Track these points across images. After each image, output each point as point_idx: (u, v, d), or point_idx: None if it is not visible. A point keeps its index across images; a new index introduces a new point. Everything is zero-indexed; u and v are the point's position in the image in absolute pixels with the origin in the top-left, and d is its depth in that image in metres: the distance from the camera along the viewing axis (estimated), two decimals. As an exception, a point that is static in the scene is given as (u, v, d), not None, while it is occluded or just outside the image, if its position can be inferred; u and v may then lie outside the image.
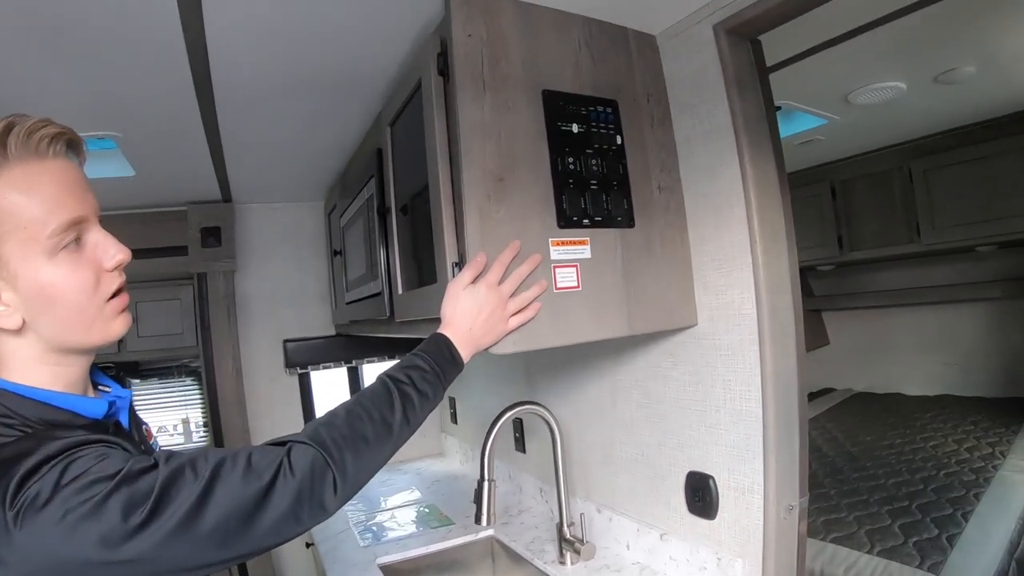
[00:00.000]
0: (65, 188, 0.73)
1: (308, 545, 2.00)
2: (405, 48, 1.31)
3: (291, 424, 2.57)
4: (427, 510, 2.05)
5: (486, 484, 1.41)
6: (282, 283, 2.62)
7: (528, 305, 1.06)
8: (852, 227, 3.28)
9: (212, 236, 2.33)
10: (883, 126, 2.60)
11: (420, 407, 0.96)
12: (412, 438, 2.47)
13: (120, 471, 0.65)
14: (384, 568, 1.66)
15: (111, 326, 0.77)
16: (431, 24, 1.20)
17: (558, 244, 1.10)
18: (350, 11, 1.14)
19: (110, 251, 0.76)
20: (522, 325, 1.07)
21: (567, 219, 1.12)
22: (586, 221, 1.14)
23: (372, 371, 2.88)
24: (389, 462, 2.36)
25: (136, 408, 0.93)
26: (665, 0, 1.22)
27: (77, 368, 0.77)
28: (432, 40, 1.13)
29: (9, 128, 0.69)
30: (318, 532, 1.91)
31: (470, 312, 1.04)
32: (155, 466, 0.67)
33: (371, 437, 0.86)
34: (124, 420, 0.84)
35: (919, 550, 1.81)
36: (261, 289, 2.56)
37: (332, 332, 2.60)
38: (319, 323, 2.63)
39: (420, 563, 1.74)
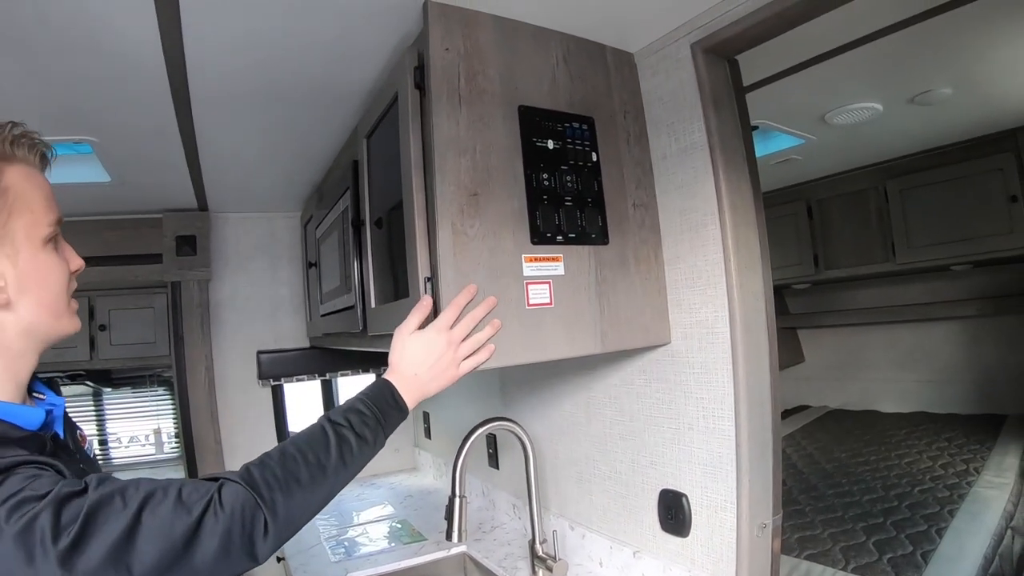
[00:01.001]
0: (50, 193, 0.85)
1: (279, 559, 1.96)
2: (382, 61, 1.31)
3: (264, 437, 2.55)
4: (399, 525, 2.03)
5: (457, 500, 1.40)
6: (256, 294, 2.59)
7: (482, 347, 1.05)
8: (828, 246, 3.31)
9: (187, 245, 2.30)
10: (859, 146, 2.63)
11: (358, 451, 0.93)
12: (384, 452, 2.46)
13: (49, 492, 0.65)
14: None
15: (72, 321, 0.86)
16: (409, 37, 1.20)
17: (531, 260, 1.10)
18: (327, 24, 1.14)
19: (74, 256, 0.87)
20: (475, 369, 1.06)
21: (541, 235, 1.12)
22: (560, 238, 1.14)
23: (346, 384, 2.86)
24: (361, 476, 2.36)
25: (74, 417, 0.95)
26: (643, 19, 1.23)
27: (31, 361, 0.82)
28: (410, 54, 1.13)
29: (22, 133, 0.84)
30: (289, 546, 1.87)
31: (417, 358, 1.02)
32: (85, 490, 0.67)
33: (304, 479, 0.83)
34: (59, 429, 0.85)
35: (894, 566, 1.81)
36: (235, 299, 2.54)
37: (306, 344, 2.57)
38: (293, 335, 2.61)
39: None
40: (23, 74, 1.23)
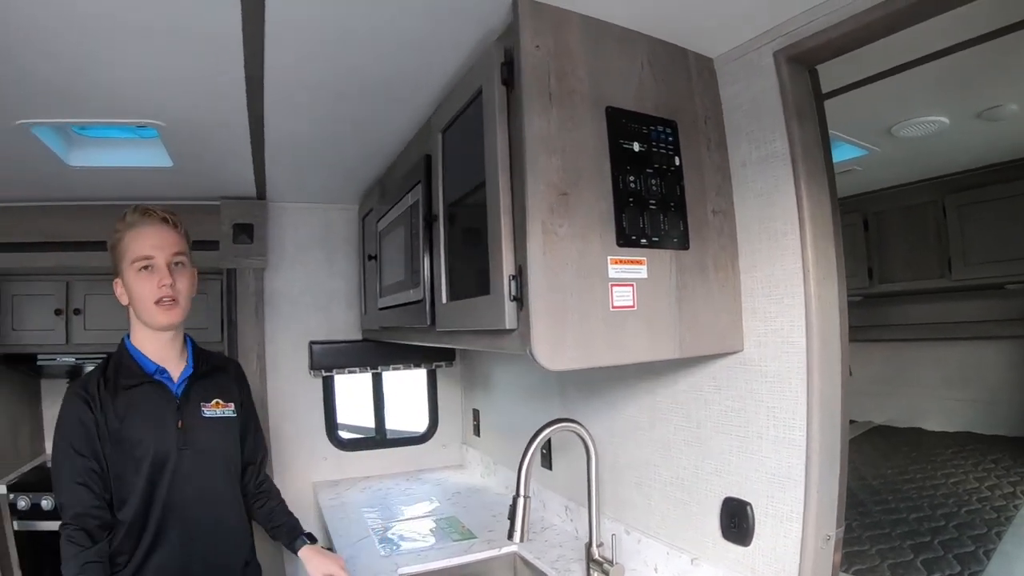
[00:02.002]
0: (146, 242, 1.45)
1: (330, 550, 2.01)
2: (463, 55, 1.33)
3: (313, 428, 2.62)
4: (447, 522, 2.06)
5: (521, 500, 1.41)
6: (311, 285, 2.64)
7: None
8: (883, 259, 3.29)
9: (244, 233, 2.36)
10: (921, 159, 2.62)
11: None
12: (431, 448, 2.52)
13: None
14: None
15: (157, 318, 1.45)
16: (493, 33, 1.21)
17: (616, 262, 1.12)
18: (414, 17, 1.16)
19: (163, 277, 1.44)
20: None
21: (626, 238, 1.14)
22: (644, 241, 1.16)
23: (395, 378, 2.91)
24: (407, 470, 2.42)
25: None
26: (726, 25, 1.23)
27: (157, 335, 1.49)
28: (496, 49, 1.15)
29: (136, 208, 1.48)
30: (338, 539, 1.92)
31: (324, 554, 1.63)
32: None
33: None
34: (165, 380, 1.49)
35: None
36: (290, 289, 2.59)
37: (359, 337, 2.62)
38: (346, 328, 2.66)
39: (445, 575, 1.74)
40: (96, 54, 1.26)
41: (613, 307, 1.11)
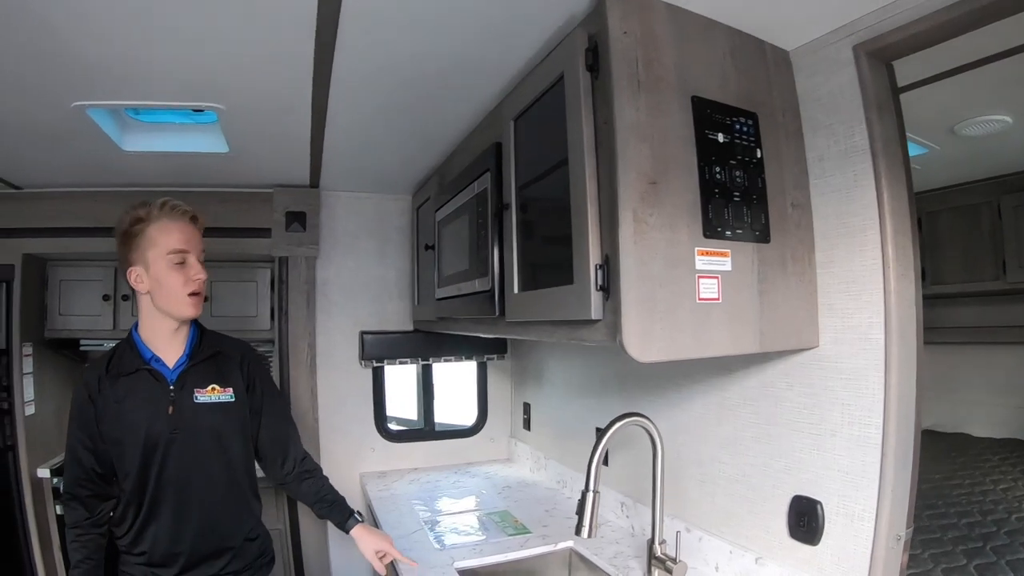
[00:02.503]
0: (179, 236, 1.54)
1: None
2: (541, 41, 1.34)
3: (362, 419, 2.66)
4: (500, 516, 2.07)
5: (590, 495, 1.40)
6: (362, 274, 2.67)
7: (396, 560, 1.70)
8: (936, 260, 3.26)
9: (297, 221, 2.40)
10: (979, 159, 2.59)
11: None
12: (479, 441, 2.55)
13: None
14: (463, 572, 1.68)
15: (187, 309, 1.57)
16: (575, 19, 1.22)
17: (703, 254, 1.12)
18: (495, 1, 1.17)
19: (197, 272, 1.57)
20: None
21: (712, 229, 1.14)
22: (728, 233, 1.16)
23: (445, 370, 2.94)
24: (456, 463, 2.54)
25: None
26: (804, 17, 1.24)
27: (168, 324, 1.58)
28: (579, 35, 1.15)
29: (164, 203, 1.55)
30: (390, 530, 1.93)
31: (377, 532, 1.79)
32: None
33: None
34: (160, 367, 1.57)
35: None
36: (340, 278, 2.62)
37: (410, 327, 2.65)
38: (398, 318, 2.69)
39: (497, 570, 1.75)
40: (155, 32, 1.27)
41: (699, 299, 1.11)
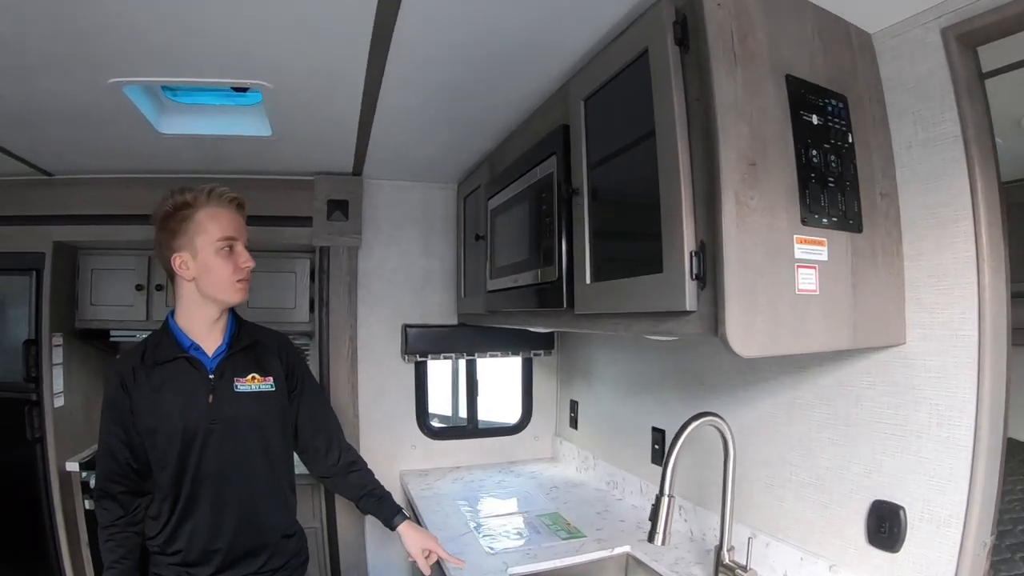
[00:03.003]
0: (228, 223, 1.60)
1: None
2: (617, 16, 1.35)
3: (403, 415, 2.72)
4: (551, 519, 2.10)
5: (665, 500, 1.43)
6: (405, 265, 2.74)
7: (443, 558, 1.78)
8: (999, 258, 3.27)
9: (339, 209, 2.46)
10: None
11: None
12: (523, 439, 2.60)
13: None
14: None
15: (235, 295, 1.63)
16: None
17: (801, 242, 1.14)
18: None
19: (245, 260, 1.64)
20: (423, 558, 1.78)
21: (810, 216, 1.15)
22: (824, 221, 1.17)
23: (490, 365, 3.00)
24: (499, 462, 2.79)
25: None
26: (888, 1, 1.26)
27: (211, 311, 1.64)
28: (666, 7, 1.17)
29: (211, 189, 1.60)
30: (438, 532, 1.97)
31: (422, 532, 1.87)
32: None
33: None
34: (200, 356, 1.63)
35: None
36: (383, 270, 2.68)
37: (453, 321, 2.70)
38: (440, 310, 2.75)
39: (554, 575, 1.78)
40: (206, 8, 1.28)
41: (798, 291, 1.13)
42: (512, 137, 2.11)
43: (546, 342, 2.87)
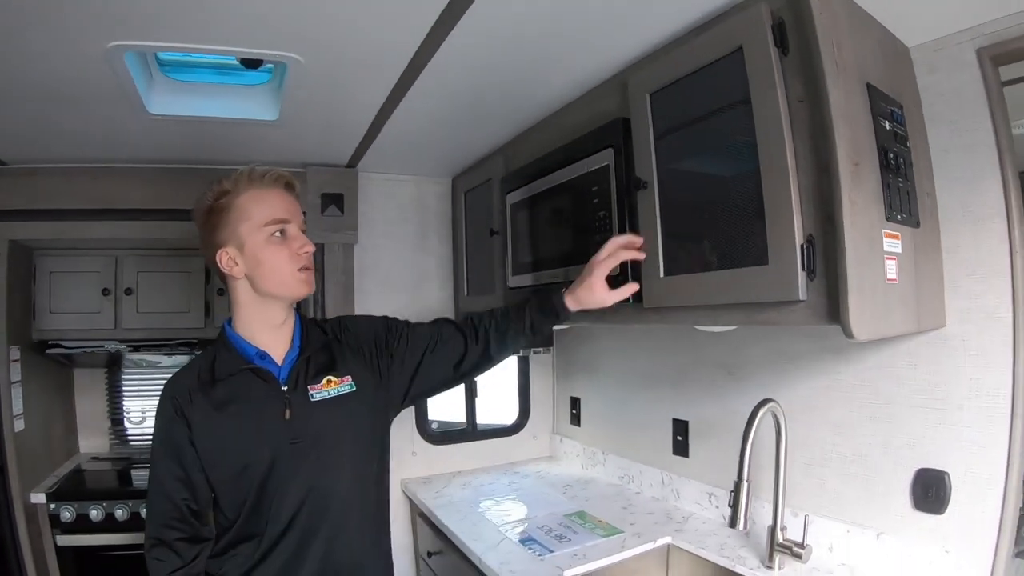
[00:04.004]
0: (276, 204, 1.50)
1: (431, 554, 2.24)
2: (698, 12, 1.56)
3: (401, 418, 2.75)
4: (579, 517, 2.30)
5: (744, 485, 1.66)
6: (401, 262, 2.86)
7: (624, 287, 1.69)
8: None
9: (334, 203, 2.53)
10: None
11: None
12: (523, 438, 2.76)
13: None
14: None
15: (299, 287, 1.52)
16: None
17: (888, 236, 1.40)
18: None
19: (302, 244, 1.52)
20: (618, 299, 1.69)
21: (891, 212, 1.42)
22: (900, 217, 1.45)
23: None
24: (501, 465, 3.03)
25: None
26: (930, 16, 1.56)
27: (271, 312, 1.54)
28: (764, 10, 1.36)
29: (251, 170, 1.50)
30: (473, 543, 2.11)
31: (578, 281, 1.71)
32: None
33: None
34: (269, 366, 1.52)
35: None
36: (378, 267, 2.80)
37: (451, 318, 2.83)
38: (438, 309, 2.88)
39: (603, 574, 1.95)
40: None
41: (887, 280, 1.39)
42: (535, 130, 2.31)
43: (545, 339, 3.04)
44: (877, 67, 1.51)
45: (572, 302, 1.71)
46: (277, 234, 1.48)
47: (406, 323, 1.78)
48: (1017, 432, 1.50)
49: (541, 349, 3.12)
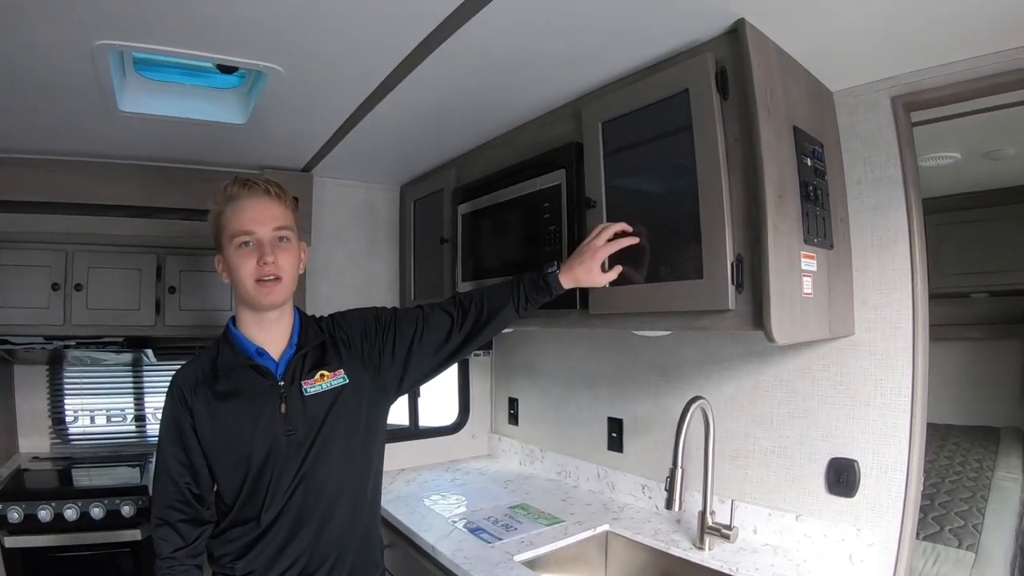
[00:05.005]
0: (245, 216, 1.57)
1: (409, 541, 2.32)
2: (649, 56, 1.80)
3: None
4: (523, 509, 2.49)
5: (679, 471, 1.90)
6: (351, 267, 3.00)
7: (614, 269, 1.84)
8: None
9: (289, 207, 2.65)
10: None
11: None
12: (462, 438, 3.07)
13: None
14: (527, 564, 2.03)
15: (259, 298, 1.58)
16: (695, 41, 1.69)
17: (804, 256, 1.66)
18: (618, 14, 1.56)
19: (266, 254, 1.57)
20: (605, 283, 1.85)
21: (808, 236, 1.67)
22: (815, 240, 1.70)
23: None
24: (443, 462, 3.32)
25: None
26: (851, 67, 1.83)
27: (260, 316, 1.63)
28: (709, 58, 1.60)
29: (234, 180, 1.61)
30: (424, 533, 2.27)
31: (574, 259, 1.85)
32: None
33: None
34: (268, 363, 1.63)
35: (955, 535, 2.68)
36: (328, 270, 2.94)
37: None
38: None
39: (550, 559, 2.14)
40: None
41: (803, 294, 1.64)
42: (488, 146, 2.52)
43: (484, 343, 3.25)
44: (803, 109, 1.76)
45: (569, 280, 1.85)
46: (244, 246, 1.57)
47: (394, 312, 1.86)
48: (916, 424, 1.79)
49: (480, 352, 3.32)
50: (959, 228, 3.99)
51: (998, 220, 3.88)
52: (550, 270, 1.85)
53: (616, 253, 1.83)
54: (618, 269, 1.85)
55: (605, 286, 1.89)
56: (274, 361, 1.64)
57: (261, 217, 1.58)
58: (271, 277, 1.58)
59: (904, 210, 1.85)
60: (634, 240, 1.81)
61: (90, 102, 1.96)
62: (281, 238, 1.61)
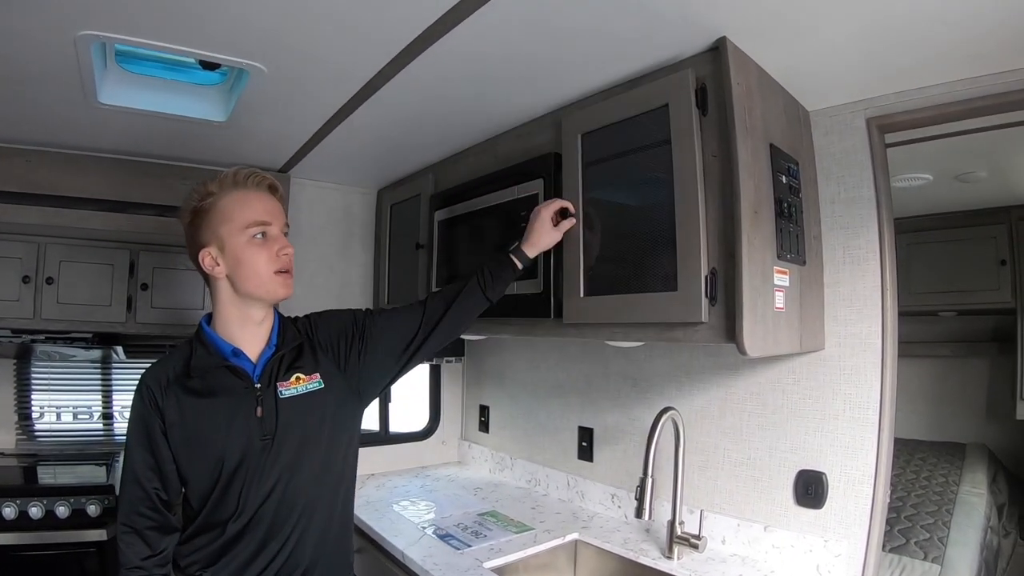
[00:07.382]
0: (258, 207, 1.58)
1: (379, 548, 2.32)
2: (629, 71, 1.84)
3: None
4: (492, 517, 2.51)
5: (649, 480, 1.94)
6: (325, 270, 3.00)
7: (566, 221, 1.96)
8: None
9: (265, 208, 2.65)
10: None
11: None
12: (432, 445, 3.11)
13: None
14: (497, 571, 2.05)
15: (276, 289, 1.59)
16: (677, 58, 1.73)
17: (777, 272, 1.70)
18: (607, 14, 1.54)
19: (283, 246, 1.60)
20: (559, 237, 1.96)
21: (781, 252, 1.72)
22: (788, 256, 1.75)
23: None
24: (412, 468, 3.33)
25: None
26: (828, 88, 1.88)
27: (251, 312, 1.60)
28: (690, 75, 1.64)
29: (236, 172, 1.58)
30: (394, 538, 2.28)
31: (533, 229, 1.94)
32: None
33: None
34: (244, 364, 1.59)
35: (921, 548, 2.73)
36: (302, 273, 2.80)
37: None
38: None
39: (519, 567, 2.15)
40: None
41: (775, 308, 1.69)
42: (467, 154, 2.55)
43: (457, 349, 3.30)
44: (780, 128, 1.81)
45: (530, 248, 1.93)
46: (258, 236, 1.56)
47: (368, 314, 1.84)
48: (884, 438, 1.83)
49: (453, 358, 3.33)
50: (929, 248, 4.11)
51: (967, 241, 4.00)
52: (511, 248, 1.93)
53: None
54: (571, 221, 1.96)
55: (560, 241, 2.00)
56: (251, 362, 1.60)
57: (274, 210, 1.61)
58: (286, 269, 1.61)
59: (876, 229, 1.91)
60: (572, 221, 1.94)
61: (69, 92, 1.95)
62: (286, 235, 1.65)
